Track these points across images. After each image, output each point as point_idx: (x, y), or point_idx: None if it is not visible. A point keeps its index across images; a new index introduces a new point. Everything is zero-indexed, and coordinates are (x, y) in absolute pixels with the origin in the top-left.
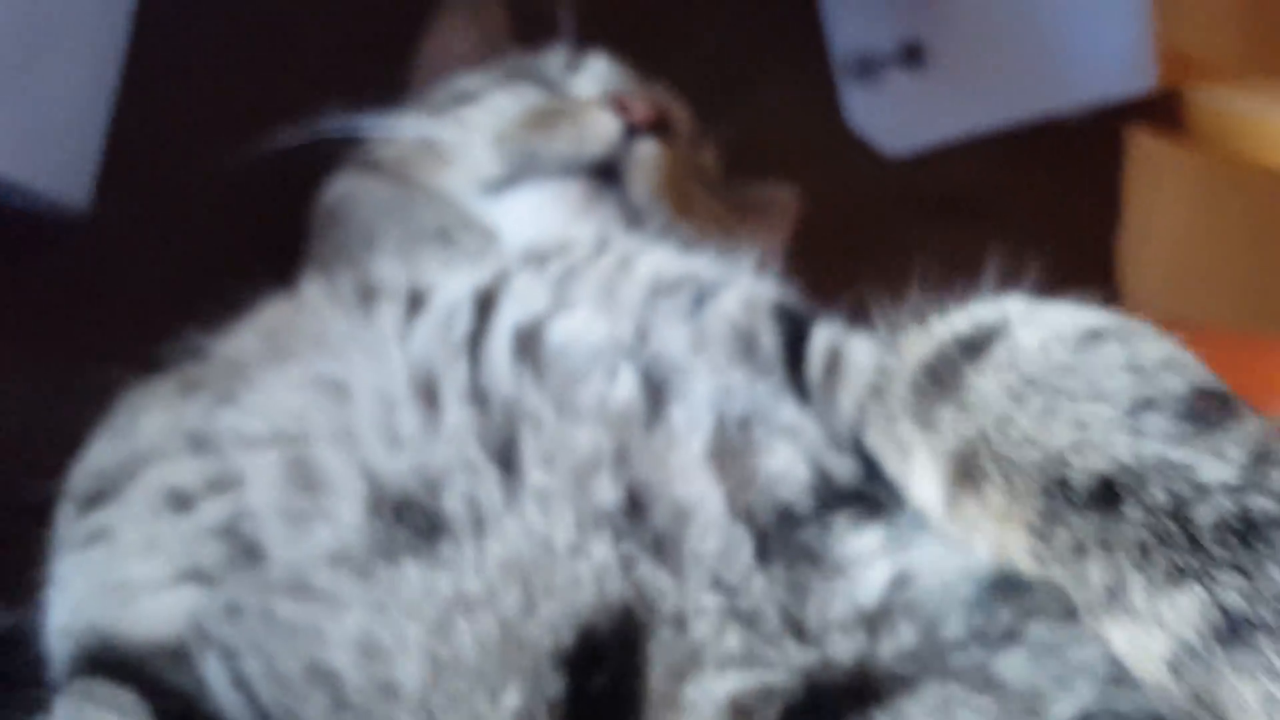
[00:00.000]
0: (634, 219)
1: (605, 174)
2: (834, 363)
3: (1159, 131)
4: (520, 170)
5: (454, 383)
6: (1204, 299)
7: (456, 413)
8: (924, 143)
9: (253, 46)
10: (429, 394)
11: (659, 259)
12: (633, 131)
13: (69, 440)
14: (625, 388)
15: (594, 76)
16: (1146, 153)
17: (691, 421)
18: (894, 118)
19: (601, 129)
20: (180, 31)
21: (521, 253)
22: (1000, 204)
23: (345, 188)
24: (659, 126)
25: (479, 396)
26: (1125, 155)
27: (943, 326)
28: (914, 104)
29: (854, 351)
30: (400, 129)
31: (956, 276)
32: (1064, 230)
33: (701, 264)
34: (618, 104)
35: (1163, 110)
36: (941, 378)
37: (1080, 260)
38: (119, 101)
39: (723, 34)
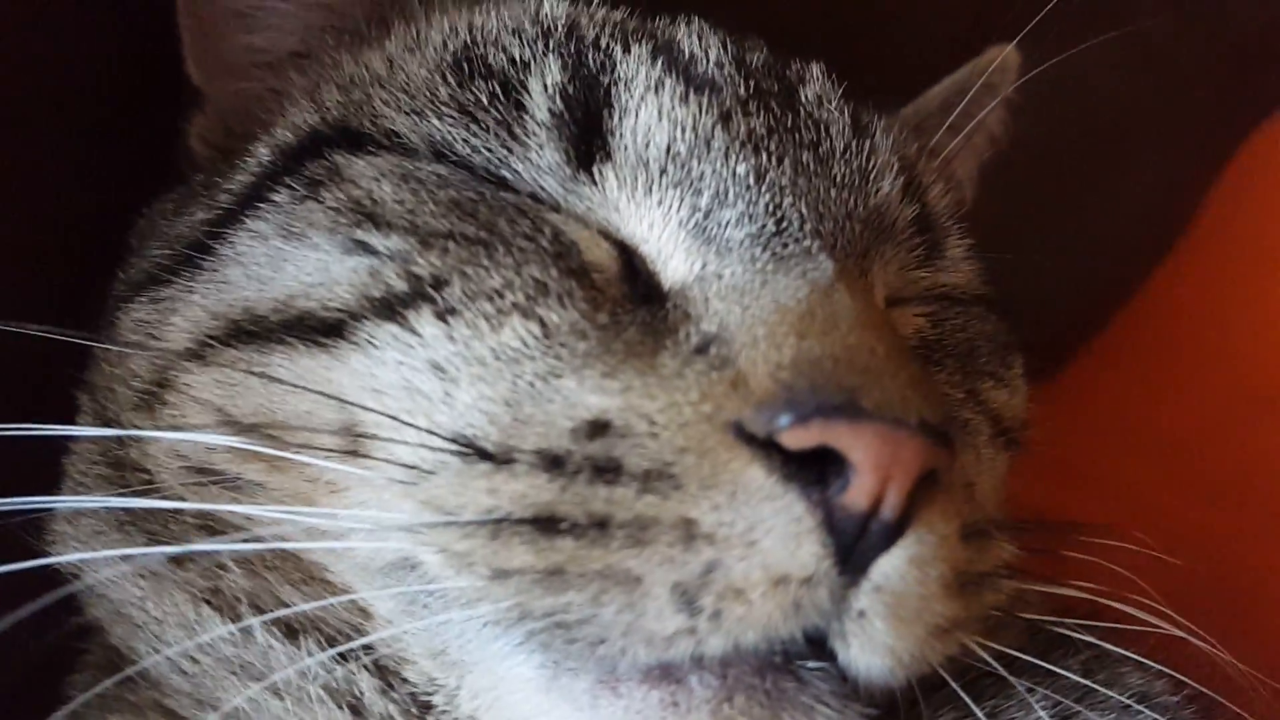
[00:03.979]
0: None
1: (786, 658)
2: None
3: None
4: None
5: None
6: None
7: None
8: None
9: None
10: None
11: None
12: (860, 538)
13: None
14: None
15: (652, 189)
16: None
17: None
18: None
19: (772, 564)
20: None
21: None
22: None
23: (105, 583)
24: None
25: None
26: None
27: None
28: None
29: None
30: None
31: None
32: None
33: None
34: (811, 456)
35: None
36: None
37: None
38: None
39: None
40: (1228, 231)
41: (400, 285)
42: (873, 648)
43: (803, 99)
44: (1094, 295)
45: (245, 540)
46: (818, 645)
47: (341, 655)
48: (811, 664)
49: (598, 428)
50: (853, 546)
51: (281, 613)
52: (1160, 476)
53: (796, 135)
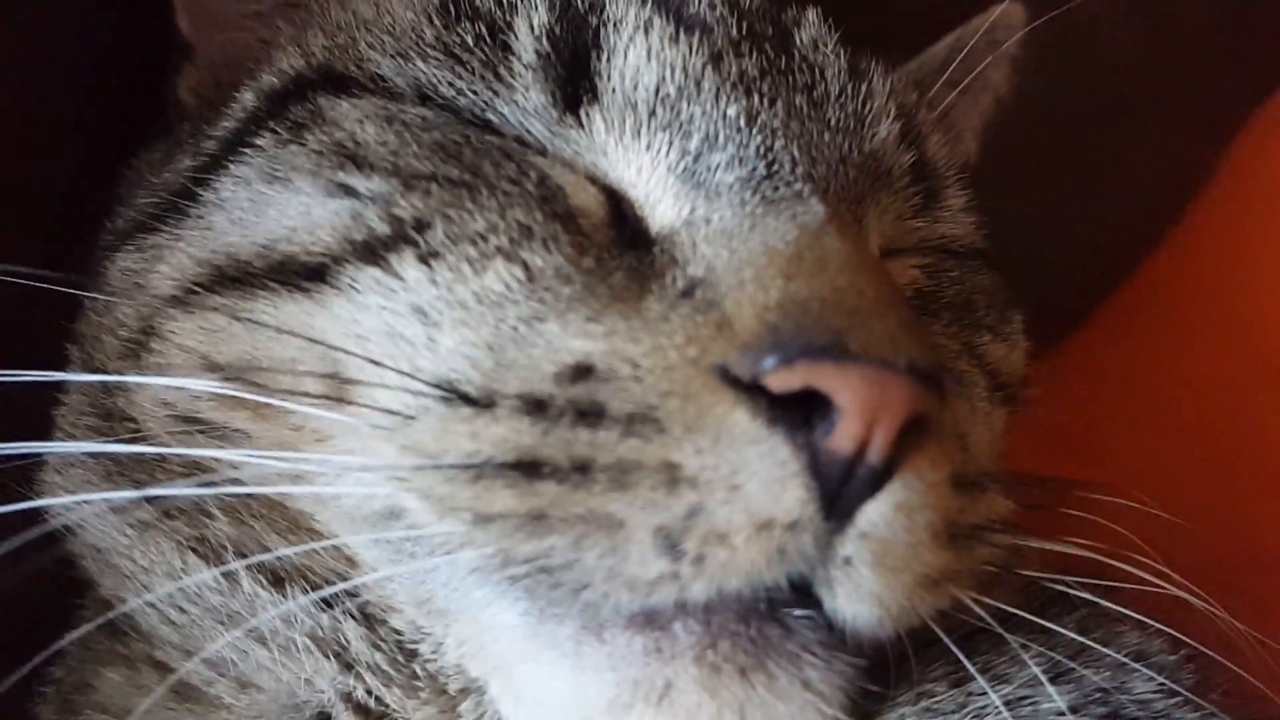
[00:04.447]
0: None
1: (771, 605)
2: None
3: None
4: (508, 566)
5: None
6: None
7: None
8: None
9: None
10: None
11: None
12: (846, 483)
13: None
14: None
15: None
16: None
17: None
18: None
19: (756, 508)
20: None
21: None
22: None
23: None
24: (913, 431)
25: None
26: None
27: None
28: None
29: None
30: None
31: None
32: None
33: None
34: (797, 399)
35: None
36: None
37: None
38: None
39: None
40: (1237, 202)
41: (382, 228)
42: (859, 596)
43: (797, 42)
44: (1100, 264)
45: (230, 482)
46: (803, 593)
47: (326, 603)
48: (797, 612)
49: (581, 371)
50: (838, 491)
51: (266, 557)
52: (1164, 447)
53: (790, 78)
